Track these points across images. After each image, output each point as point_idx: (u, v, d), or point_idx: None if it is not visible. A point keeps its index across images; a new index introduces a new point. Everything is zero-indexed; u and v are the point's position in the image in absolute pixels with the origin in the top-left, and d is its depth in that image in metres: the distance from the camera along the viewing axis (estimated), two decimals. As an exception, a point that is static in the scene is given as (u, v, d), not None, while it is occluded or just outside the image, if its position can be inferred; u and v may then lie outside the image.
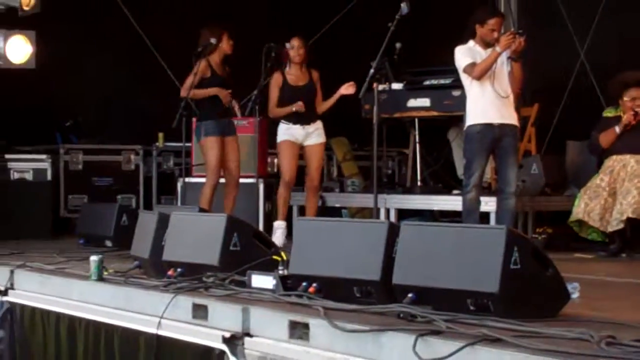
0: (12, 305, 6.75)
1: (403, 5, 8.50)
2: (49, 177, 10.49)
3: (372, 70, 8.73)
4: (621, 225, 8.34)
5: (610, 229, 8.42)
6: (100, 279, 6.17)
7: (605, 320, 4.33)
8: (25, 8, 8.81)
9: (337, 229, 5.60)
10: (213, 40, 9.24)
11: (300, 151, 9.85)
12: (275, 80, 9.77)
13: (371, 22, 8.80)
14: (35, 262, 7.12)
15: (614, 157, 8.61)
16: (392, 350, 3.99)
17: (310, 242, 5.36)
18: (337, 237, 5.28)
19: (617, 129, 8.75)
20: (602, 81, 11.56)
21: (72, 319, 6.17)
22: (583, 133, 10.44)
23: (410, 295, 4.51)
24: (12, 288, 6.85)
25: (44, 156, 10.56)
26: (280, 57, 9.78)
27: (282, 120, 9.69)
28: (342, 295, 4.86)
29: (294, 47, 9.61)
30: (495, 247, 4.27)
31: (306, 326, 4.49)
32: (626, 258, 8.37)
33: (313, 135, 9.74)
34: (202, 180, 9.74)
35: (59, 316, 6.29)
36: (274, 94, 9.74)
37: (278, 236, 9.39)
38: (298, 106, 9.49)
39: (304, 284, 5.07)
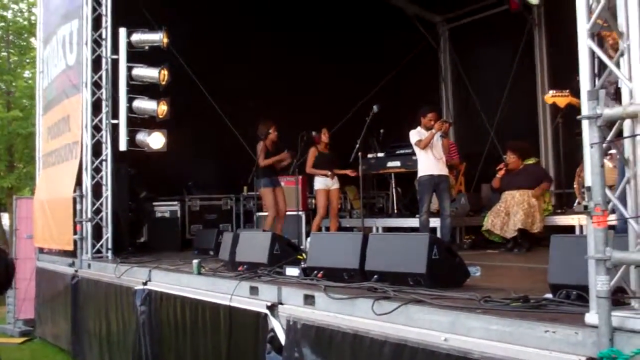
0: (150, 290, 6.88)
1: (374, 107, 8.52)
2: (178, 215, 10.66)
3: (357, 146, 8.69)
4: (515, 233, 8.34)
5: (508, 236, 8.41)
6: (199, 273, 6.25)
7: (486, 287, 4.44)
8: (160, 116, 9.01)
9: (334, 239, 5.79)
10: (270, 130, 9.34)
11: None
12: (312, 152, 9.77)
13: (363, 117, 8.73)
14: (164, 265, 7.27)
15: (507, 192, 8.60)
16: (361, 309, 4.15)
17: (319, 246, 5.45)
18: (333, 243, 5.43)
19: (498, 175, 8.87)
20: (502, 148, 11.54)
21: (183, 298, 6.29)
22: (491, 179, 10.42)
23: (375, 276, 4.68)
24: (150, 280, 7.01)
25: (175, 202, 10.75)
26: (312, 139, 9.83)
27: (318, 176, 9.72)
28: (336, 278, 4.96)
29: (325, 134, 9.74)
30: (423, 246, 4.42)
31: (313, 297, 4.63)
32: (517, 253, 8.32)
33: (334, 184, 9.76)
34: (266, 214, 9.83)
35: (175, 297, 6.42)
36: (310, 160, 9.76)
37: None
38: (330, 175, 9.62)
39: (315, 272, 5.19)
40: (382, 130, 10.53)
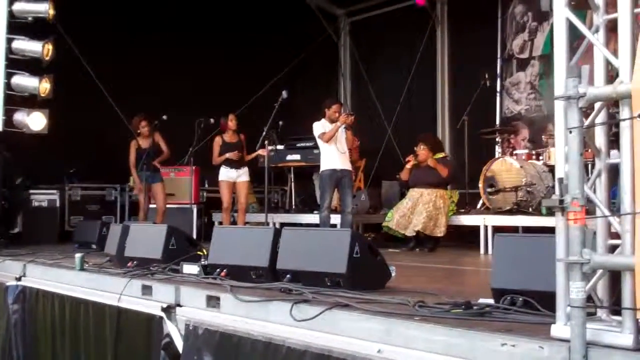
0: (24, 287, 6.08)
1: (284, 92, 8.07)
2: (57, 204, 9.79)
3: (264, 134, 8.36)
4: (414, 233, 8.06)
5: (409, 234, 8.07)
6: (82, 269, 5.54)
7: (414, 290, 4.01)
8: (42, 94, 8.12)
9: (239, 233, 5.24)
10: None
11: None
12: (217, 141, 9.06)
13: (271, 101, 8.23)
14: (41, 259, 6.46)
15: (415, 189, 8.27)
16: (276, 314, 3.62)
17: (223, 241, 4.87)
18: (239, 238, 4.89)
19: (407, 166, 8.52)
20: (401, 146, 11.46)
21: (61, 297, 5.56)
22: (390, 176, 10.46)
23: (288, 276, 4.17)
24: (24, 276, 6.22)
25: (54, 191, 9.86)
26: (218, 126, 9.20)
27: (223, 165, 9.00)
28: (242, 277, 4.44)
29: (232, 120, 9.02)
30: (343, 243, 3.94)
31: (217, 299, 4.06)
32: (419, 252, 8.05)
33: (242, 176, 9.08)
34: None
35: (54, 295, 5.68)
36: (216, 150, 9.04)
37: None
38: (233, 154, 8.88)
39: (218, 270, 4.64)
40: (281, 123, 9.96)
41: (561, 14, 2.55)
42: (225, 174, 8.99)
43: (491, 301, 3.27)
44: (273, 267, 4.29)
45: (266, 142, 8.35)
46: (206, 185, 11.10)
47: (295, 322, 3.41)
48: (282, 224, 9.42)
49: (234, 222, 9.71)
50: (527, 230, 7.85)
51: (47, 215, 9.57)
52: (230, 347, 3.79)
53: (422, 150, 8.35)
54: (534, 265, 3.13)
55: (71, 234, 9.11)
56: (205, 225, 10.34)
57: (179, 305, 4.34)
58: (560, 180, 2.46)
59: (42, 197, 9.65)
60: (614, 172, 2.49)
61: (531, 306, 3.05)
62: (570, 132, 2.38)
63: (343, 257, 3.89)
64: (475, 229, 8.12)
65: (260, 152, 9.02)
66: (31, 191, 9.63)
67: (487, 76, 9.49)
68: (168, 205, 9.34)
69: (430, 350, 2.83)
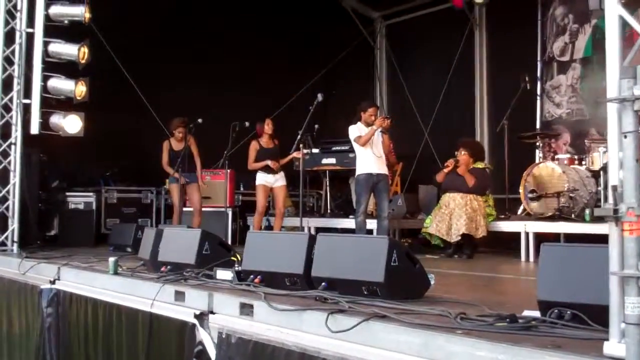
0: (58, 291, 6.05)
1: (319, 95, 7.96)
2: (94, 207, 9.78)
3: (299, 137, 8.28)
4: (458, 238, 7.87)
5: (452, 240, 7.91)
6: (116, 273, 5.47)
7: (454, 301, 3.87)
8: (78, 97, 8.13)
9: (274, 239, 5.09)
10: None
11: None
12: (253, 146, 8.99)
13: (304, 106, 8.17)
14: (76, 262, 6.44)
15: (447, 194, 8.10)
16: (311, 324, 3.48)
17: (257, 247, 4.72)
18: (274, 244, 4.75)
19: (445, 170, 8.36)
20: (438, 150, 11.33)
21: (94, 301, 5.50)
22: (427, 180, 10.21)
23: (323, 284, 4.01)
24: (58, 279, 6.17)
25: (90, 194, 9.86)
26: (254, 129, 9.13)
27: (260, 171, 8.92)
28: (277, 284, 4.31)
29: (269, 124, 8.96)
30: (381, 251, 3.78)
31: (251, 306, 3.94)
32: (457, 259, 7.85)
33: (279, 180, 9.00)
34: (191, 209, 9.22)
35: (87, 299, 5.62)
36: (252, 155, 8.96)
37: None
38: (273, 164, 8.82)
39: (252, 276, 4.50)
40: (317, 126, 9.87)
41: (614, 11, 2.39)
42: (263, 179, 8.93)
43: (536, 314, 3.11)
44: (308, 275, 4.16)
45: (301, 145, 8.26)
46: (241, 189, 11.05)
47: (330, 333, 3.29)
48: (317, 229, 9.32)
49: (268, 227, 9.63)
50: (570, 237, 7.66)
51: (83, 218, 9.57)
52: (264, 357, 3.67)
53: (462, 156, 8.18)
54: (582, 276, 2.97)
55: (107, 237, 9.12)
56: (240, 229, 10.29)
57: (212, 312, 4.23)
58: (614, 188, 2.31)
59: (79, 200, 9.66)
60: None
61: (580, 320, 2.89)
62: (625, 136, 2.22)
63: (381, 266, 3.75)
64: (515, 236, 7.91)
65: (295, 154, 8.93)
66: (67, 194, 9.65)
67: (527, 79, 9.26)
68: (203, 209, 9.31)
69: (472, 365, 2.69)
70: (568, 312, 2.94)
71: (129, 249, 7.53)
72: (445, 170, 8.29)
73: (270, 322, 3.73)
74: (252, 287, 4.36)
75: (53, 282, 6.10)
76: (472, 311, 3.31)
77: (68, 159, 9.34)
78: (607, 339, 2.42)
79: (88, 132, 8.32)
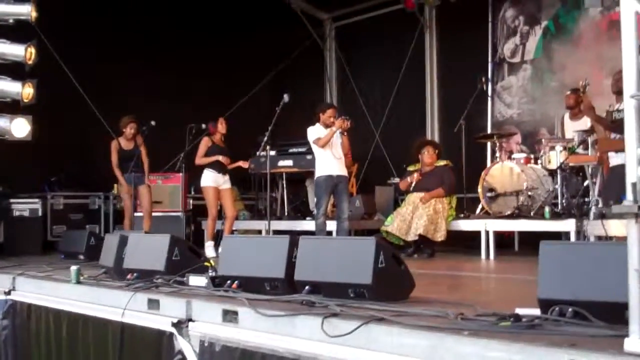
0: (14, 302, 5.78)
1: (285, 96, 7.87)
2: (40, 214, 9.45)
3: (265, 139, 8.21)
4: (416, 237, 7.90)
5: (408, 239, 7.93)
6: (78, 282, 5.24)
7: (444, 301, 3.79)
8: (25, 100, 7.79)
9: (252, 243, 4.86)
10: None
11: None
12: (205, 142, 8.74)
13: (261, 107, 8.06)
14: (31, 271, 6.12)
15: (414, 193, 8.11)
16: (304, 329, 3.36)
17: (233, 252, 4.59)
18: (252, 248, 4.57)
19: (409, 179, 8.38)
20: (389, 151, 11.64)
21: (57, 312, 5.26)
22: (380, 181, 10.61)
23: (307, 287, 3.91)
24: (14, 289, 5.88)
25: (36, 200, 9.51)
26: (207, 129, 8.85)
27: (208, 168, 8.65)
28: (256, 289, 4.17)
29: (222, 124, 8.75)
30: (368, 252, 3.70)
31: (235, 313, 3.79)
32: (417, 258, 7.86)
33: (225, 183, 8.77)
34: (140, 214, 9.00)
35: (48, 310, 5.38)
36: (202, 150, 8.69)
37: (210, 250, 8.48)
38: (225, 159, 8.63)
39: (229, 281, 4.35)
40: (270, 128, 9.77)
41: (630, 7, 2.38)
42: (213, 179, 8.64)
43: (531, 311, 3.09)
44: (290, 278, 4.05)
45: (268, 146, 8.17)
46: (192, 192, 10.83)
47: (325, 338, 3.19)
48: (276, 231, 9.19)
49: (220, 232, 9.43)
50: (528, 234, 7.79)
51: (29, 225, 9.24)
52: (252, 365, 3.57)
53: (431, 155, 8.26)
54: (582, 274, 2.96)
55: (54, 244, 8.85)
56: (194, 234, 10.09)
57: (190, 320, 4.08)
58: (634, 184, 2.29)
59: (23, 207, 9.32)
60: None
61: (582, 318, 2.88)
62: (651, 134, 2.21)
63: (368, 267, 3.66)
64: (474, 234, 7.98)
65: (241, 163, 8.87)
66: (12, 200, 9.30)
67: (483, 80, 9.39)
68: (154, 214, 9.09)
69: (485, 367, 2.64)
70: (570, 309, 2.93)
71: (81, 257, 7.25)
72: (412, 181, 8.32)
73: (258, 329, 3.60)
74: (231, 292, 4.23)
75: (8, 293, 5.81)
76: (467, 311, 3.27)
77: (10, 164, 8.96)
78: (616, 336, 2.42)
79: (33, 136, 7.95)
